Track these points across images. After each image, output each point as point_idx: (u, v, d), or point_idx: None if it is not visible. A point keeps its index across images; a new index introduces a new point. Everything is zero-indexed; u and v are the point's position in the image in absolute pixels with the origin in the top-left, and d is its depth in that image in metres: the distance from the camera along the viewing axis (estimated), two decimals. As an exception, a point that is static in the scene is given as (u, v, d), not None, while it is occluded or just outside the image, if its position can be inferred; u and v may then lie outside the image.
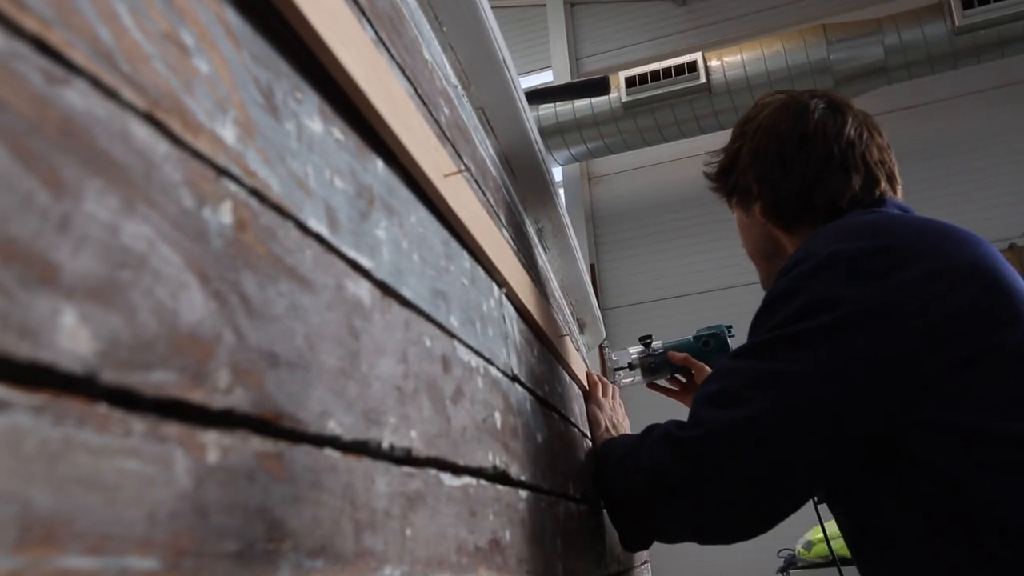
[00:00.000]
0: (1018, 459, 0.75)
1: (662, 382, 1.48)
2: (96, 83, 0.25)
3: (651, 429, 0.98)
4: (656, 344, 1.46)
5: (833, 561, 4.52)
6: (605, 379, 1.43)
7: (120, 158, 0.26)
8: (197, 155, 0.31)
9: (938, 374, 0.77)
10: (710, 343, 1.44)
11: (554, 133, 6.48)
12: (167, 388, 0.26)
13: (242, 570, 0.29)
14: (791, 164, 1.03)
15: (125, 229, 0.26)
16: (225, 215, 0.32)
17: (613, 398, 1.38)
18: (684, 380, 1.45)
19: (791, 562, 4.94)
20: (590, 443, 1.24)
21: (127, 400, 0.25)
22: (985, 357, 0.77)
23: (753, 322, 0.90)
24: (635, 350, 1.47)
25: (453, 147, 0.75)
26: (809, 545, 4.46)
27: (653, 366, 1.45)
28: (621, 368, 1.49)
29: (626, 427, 1.32)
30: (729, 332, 1.46)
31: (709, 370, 1.37)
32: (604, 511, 1.19)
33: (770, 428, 0.81)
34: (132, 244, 0.26)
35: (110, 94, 0.26)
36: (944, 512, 0.78)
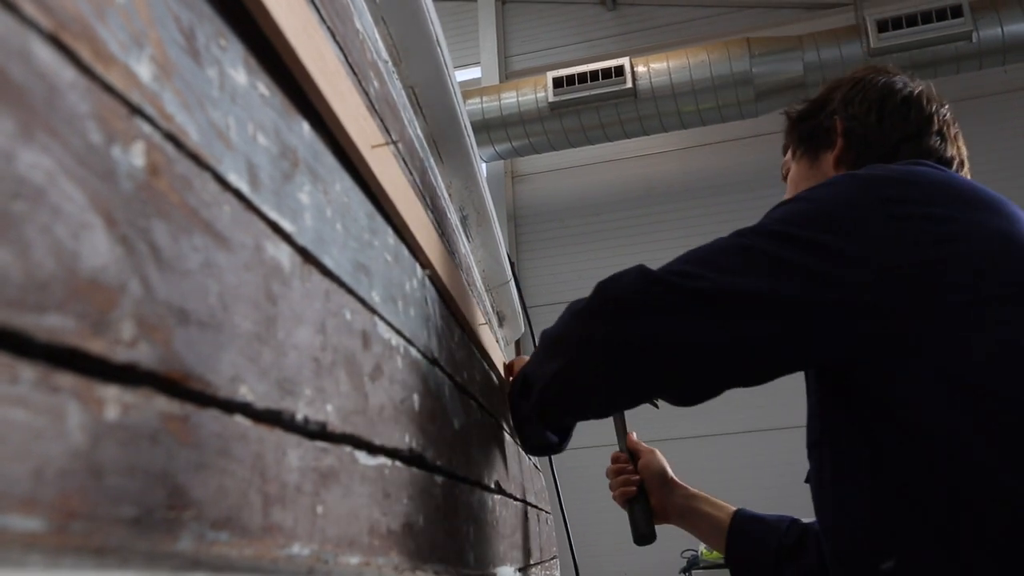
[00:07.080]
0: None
1: None
2: (-6, -9, 0.23)
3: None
4: None
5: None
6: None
7: (18, 79, 0.24)
8: (108, 88, 0.28)
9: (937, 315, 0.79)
10: None
11: (480, 130, 6.45)
12: (62, 334, 0.24)
13: (139, 537, 0.27)
14: (890, 116, 1.04)
15: (21, 157, 0.23)
16: (137, 157, 0.29)
17: None
18: None
19: (694, 562, 5.05)
20: (507, 434, 1.23)
21: (15, 344, 0.22)
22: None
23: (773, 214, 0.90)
24: None
25: (382, 122, 0.72)
26: (712, 545, 4.56)
27: None
28: None
29: None
30: None
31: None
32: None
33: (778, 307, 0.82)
34: (29, 174, 0.24)
35: (9, 7, 0.23)
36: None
